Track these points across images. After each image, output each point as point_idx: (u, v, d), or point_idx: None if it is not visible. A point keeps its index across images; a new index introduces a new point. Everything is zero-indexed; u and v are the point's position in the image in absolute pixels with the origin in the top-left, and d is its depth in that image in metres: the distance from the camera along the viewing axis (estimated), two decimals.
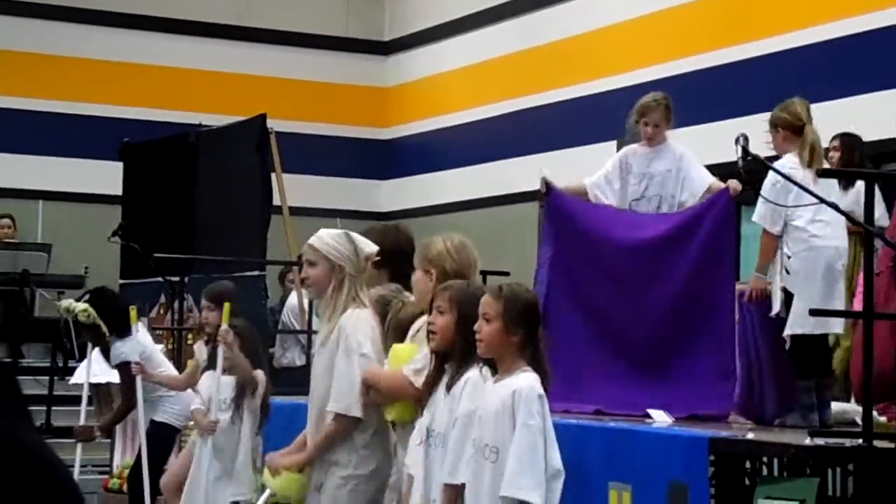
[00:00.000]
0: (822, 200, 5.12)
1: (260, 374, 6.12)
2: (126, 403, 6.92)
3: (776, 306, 5.61)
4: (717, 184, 6.22)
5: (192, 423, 6.41)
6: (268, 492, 5.14)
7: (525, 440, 3.79)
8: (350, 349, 4.57)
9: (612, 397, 5.89)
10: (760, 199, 5.60)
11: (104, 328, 6.87)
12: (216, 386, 6.10)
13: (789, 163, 5.56)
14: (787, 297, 5.56)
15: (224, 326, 5.99)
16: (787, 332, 5.46)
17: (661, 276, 6.04)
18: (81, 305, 6.85)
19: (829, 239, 5.41)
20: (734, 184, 5.89)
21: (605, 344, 6.13)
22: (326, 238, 4.68)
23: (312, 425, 4.76)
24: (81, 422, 7.24)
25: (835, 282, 5.50)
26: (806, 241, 5.47)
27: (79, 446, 7.31)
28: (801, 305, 5.40)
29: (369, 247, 4.72)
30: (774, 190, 5.52)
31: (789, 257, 5.52)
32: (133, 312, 6.82)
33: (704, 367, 5.85)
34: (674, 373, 5.95)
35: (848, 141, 7.31)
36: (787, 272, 5.53)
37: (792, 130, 5.64)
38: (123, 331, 6.80)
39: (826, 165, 5.63)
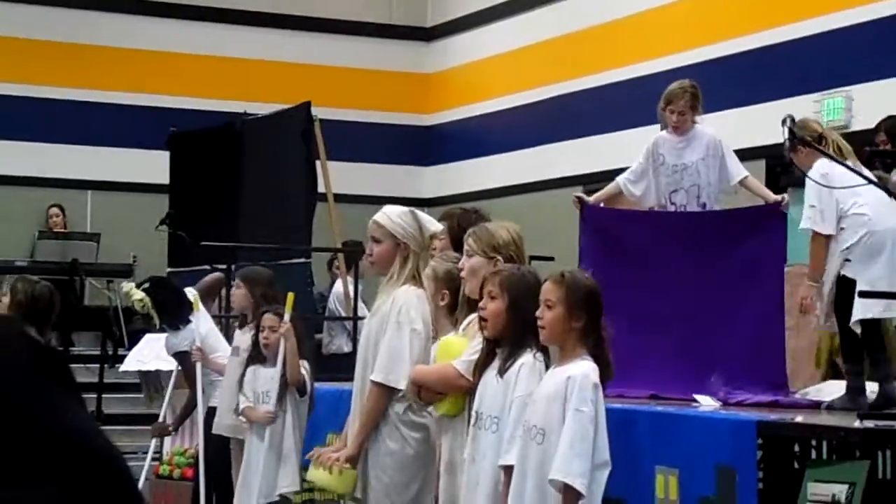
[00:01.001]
0: (870, 181, 5.07)
1: (304, 366, 6.11)
2: (192, 392, 6.97)
3: (821, 320, 5.60)
4: (752, 180, 6.19)
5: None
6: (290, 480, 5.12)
7: (576, 426, 3.79)
8: (402, 322, 4.60)
9: (663, 383, 5.88)
10: (807, 206, 5.56)
11: (156, 320, 6.91)
12: (267, 377, 6.08)
13: (822, 167, 5.55)
14: (846, 286, 5.52)
15: (286, 320, 5.96)
16: (857, 317, 5.42)
17: (704, 281, 6.00)
18: (139, 294, 6.88)
19: (886, 220, 5.37)
20: (785, 198, 5.88)
21: (647, 351, 6.05)
22: (392, 215, 4.70)
23: (357, 393, 4.78)
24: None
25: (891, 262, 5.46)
26: (865, 225, 5.43)
27: (132, 434, 7.38)
28: (868, 289, 5.38)
29: (434, 225, 4.74)
30: (819, 191, 5.49)
31: (847, 248, 5.47)
32: (196, 299, 6.87)
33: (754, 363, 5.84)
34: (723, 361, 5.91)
35: (892, 126, 7.24)
36: (848, 260, 5.49)
37: (812, 145, 5.64)
38: (176, 324, 6.84)
39: (851, 153, 5.61)
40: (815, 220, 5.56)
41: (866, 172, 5.50)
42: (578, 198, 6.36)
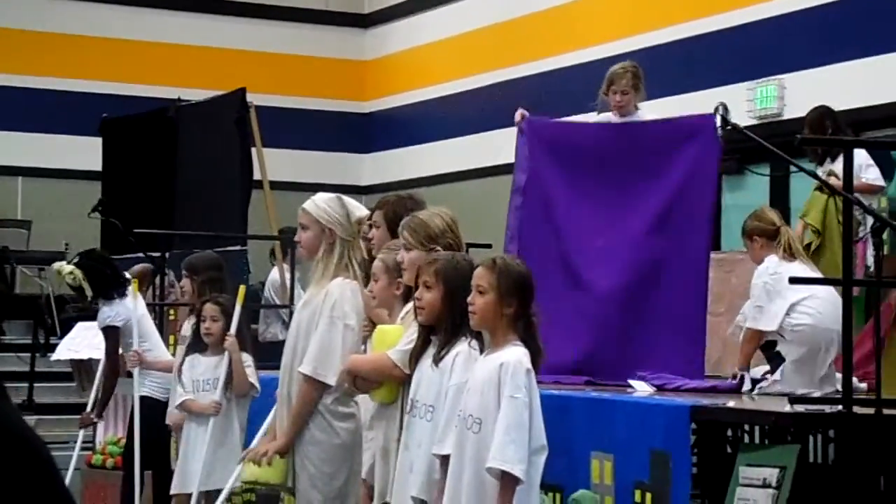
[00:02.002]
0: (818, 281, 5.16)
1: (248, 360, 6.03)
2: (106, 373, 6.86)
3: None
4: None
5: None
6: (233, 478, 5.11)
7: (511, 413, 3.80)
8: (335, 317, 4.59)
9: (584, 352, 5.91)
10: (753, 304, 5.66)
11: (89, 291, 6.82)
12: (208, 366, 6.01)
13: (772, 265, 5.65)
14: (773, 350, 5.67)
15: (232, 336, 5.90)
16: (773, 385, 5.54)
17: (638, 213, 6.04)
18: (68, 267, 6.80)
19: (832, 321, 5.42)
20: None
21: (577, 285, 6.09)
22: (319, 202, 4.72)
23: (284, 382, 4.76)
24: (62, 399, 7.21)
25: (826, 361, 5.57)
26: (813, 317, 5.53)
27: (61, 423, 7.28)
28: (792, 377, 5.54)
29: (360, 210, 4.74)
30: (766, 290, 5.58)
31: (790, 331, 5.58)
32: (135, 285, 6.79)
33: (675, 324, 5.89)
34: (642, 332, 5.96)
35: (815, 116, 7.32)
36: (783, 336, 5.59)
37: (768, 237, 5.74)
38: (110, 295, 6.75)
39: (802, 254, 5.72)
40: (760, 320, 5.66)
41: (816, 273, 5.58)
42: (523, 113, 6.40)
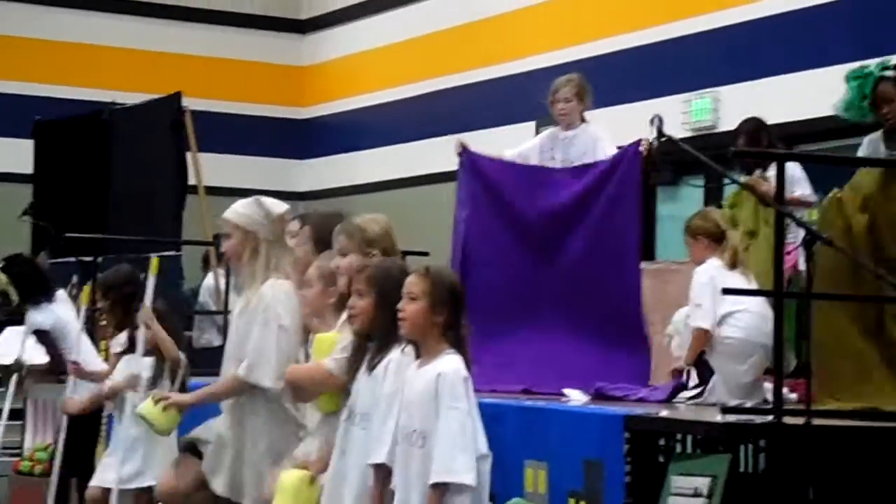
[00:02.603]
0: (752, 293, 5.20)
1: (183, 360, 6.00)
2: (51, 369, 6.80)
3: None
4: None
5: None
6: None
7: (453, 424, 3.79)
8: (269, 319, 4.62)
9: (529, 371, 5.95)
10: (695, 305, 5.70)
11: (14, 296, 6.73)
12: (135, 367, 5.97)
13: (712, 267, 5.70)
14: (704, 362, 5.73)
15: (147, 307, 5.85)
16: (707, 399, 5.60)
17: (571, 240, 6.12)
18: None
19: (762, 334, 5.48)
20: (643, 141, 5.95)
21: (521, 308, 6.17)
22: (237, 207, 4.77)
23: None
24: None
25: (756, 374, 5.64)
26: (744, 330, 5.59)
27: None
28: (722, 389, 5.59)
29: (279, 207, 4.76)
30: (707, 293, 5.64)
31: (721, 343, 5.63)
32: (86, 290, 6.72)
33: (614, 335, 5.95)
34: (585, 346, 6.02)
35: (749, 128, 7.41)
36: (714, 347, 5.65)
37: (713, 239, 5.78)
38: (37, 300, 6.67)
39: (743, 266, 5.80)
40: (698, 317, 5.70)
41: (752, 285, 5.65)
42: (461, 143, 6.45)
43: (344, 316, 4.44)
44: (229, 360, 4.80)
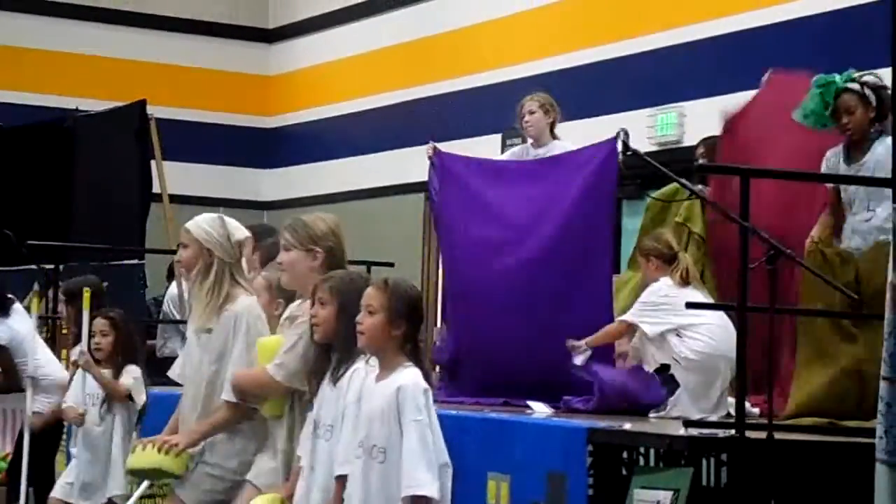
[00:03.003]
0: (705, 306, 5.25)
1: (133, 371, 5.94)
2: (7, 386, 6.74)
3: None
4: None
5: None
6: (145, 483, 5.05)
7: (416, 436, 3.79)
8: (250, 343, 4.58)
9: (505, 380, 5.98)
10: (640, 305, 5.70)
11: None
12: (83, 380, 5.93)
13: (664, 286, 5.73)
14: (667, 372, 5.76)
15: (84, 351, 5.80)
16: (671, 412, 5.62)
17: (544, 232, 6.13)
18: None
19: (725, 347, 5.49)
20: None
21: (496, 311, 6.19)
22: (200, 221, 4.73)
23: (190, 410, 4.70)
24: None
25: (721, 387, 5.65)
26: (706, 344, 5.61)
27: None
28: (687, 403, 5.62)
29: (241, 232, 4.73)
30: (655, 302, 5.67)
31: (684, 358, 5.65)
32: (35, 301, 6.66)
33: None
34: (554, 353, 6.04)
35: (713, 144, 7.45)
36: (678, 362, 5.66)
37: (664, 259, 5.82)
38: None
39: (697, 281, 5.83)
40: (640, 316, 5.70)
41: (709, 299, 5.68)
42: (434, 146, 6.51)
43: (284, 315, 4.47)
44: (194, 378, 4.69)
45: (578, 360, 5.72)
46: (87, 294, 5.89)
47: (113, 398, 5.84)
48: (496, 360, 6.11)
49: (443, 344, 6.55)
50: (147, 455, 4.65)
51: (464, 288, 6.31)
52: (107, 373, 5.90)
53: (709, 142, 7.37)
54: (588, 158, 6.07)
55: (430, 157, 6.49)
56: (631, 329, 5.81)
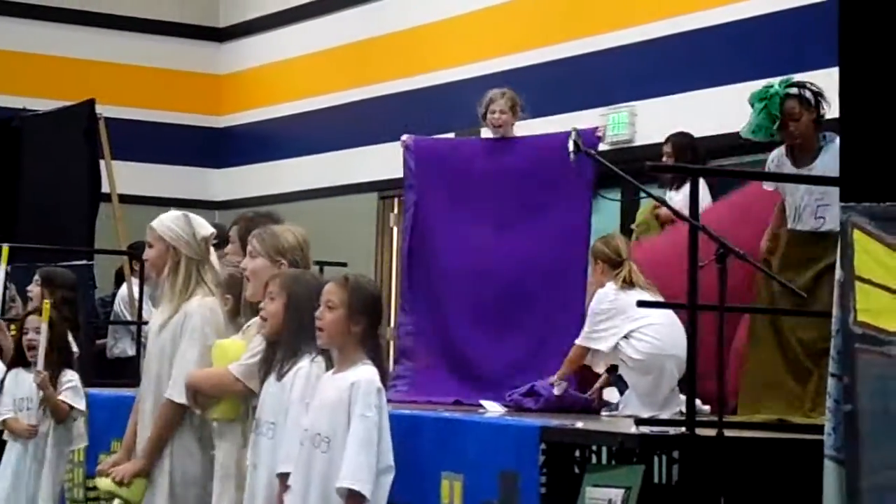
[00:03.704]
0: (655, 304, 5.33)
1: (70, 378, 5.81)
2: None
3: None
4: None
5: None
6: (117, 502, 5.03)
7: (362, 432, 3.79)
8: (195, 339, 4.56)
9: (465, 376, 6.00)
10: (589, 321, 5.77)
11: None
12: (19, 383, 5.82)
13: (610, 291, 5.79)
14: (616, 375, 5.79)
15: (42, 373, 5.69)
16: (622, 411, 5.66)
17: (519, 218, 6.20)
18: None
19: (671, 346, 5.54)
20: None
21: (468, 299, 6.23)
22: (165, 220, 4.71)
23: (146, 409, 4.68)
24: None
25: (669, 385, 5.70)
26: (652, 345, 5.64)
27: None
28: (636, 402, 5.68)
29: (206, 229, 4.72)
30: (600, 320, 5.72)
31: (631, 358, 5.68)
32: None
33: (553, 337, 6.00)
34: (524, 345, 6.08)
35: (678, 141, 7.49)
36: (625, 363, 5.70)
37: (610, 264, 5.88)
38: None
39: (642, 283, 5.87)
40: (593, 339, 5.77)
41: (656, 297, 5.73)
42: (407, 136, 6.59)
43: (250, 321, 4.44)
44: (149, 376, 4.71)
45: (556, 390, 5.77)
46: (46, 306, 5.79)
47: (53, 415, 5.72)
48: (458, 355, 6.13)
49: (403, 329, 6.50)
50: (106, 484, 4.70)
51: (433, 276, 6.27)
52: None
53: (675, 139, 7.42)
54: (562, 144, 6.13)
55: (403, 143, 6.48)
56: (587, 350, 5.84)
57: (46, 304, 5.82)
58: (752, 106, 5.59)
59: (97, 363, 9.04)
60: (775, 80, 5.64)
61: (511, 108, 6.50)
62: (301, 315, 3.98)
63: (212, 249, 4.76)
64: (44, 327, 5.73)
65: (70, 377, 5.78)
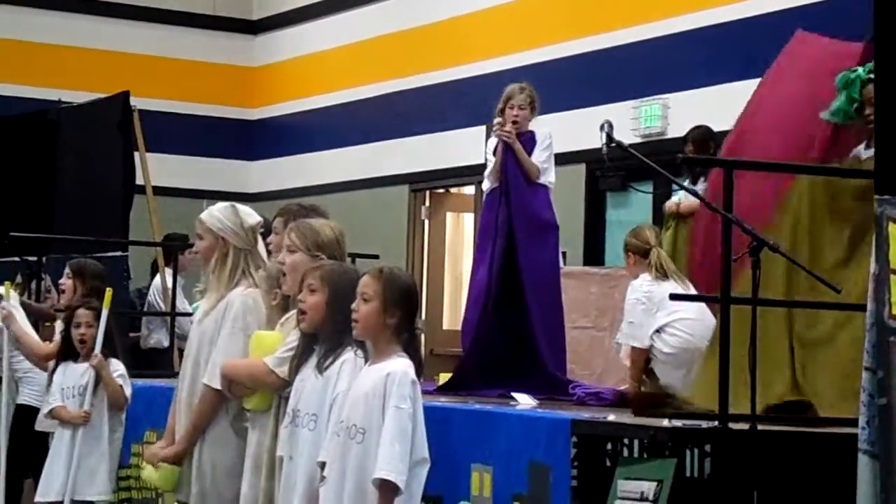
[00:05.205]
0: (687, 297, 5.26)
1: (118, 367, 5.88)
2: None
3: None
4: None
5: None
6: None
7: (396, 423, 3.79)
8: (236, 328, 4.60)
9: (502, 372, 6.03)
10: (626, 321, 5.78)
11: None
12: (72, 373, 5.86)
13: (645, 283, 5.80)
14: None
15: (99, 356, 5.75)
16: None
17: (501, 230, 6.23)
18: None
19: (701, 340, 5.54)
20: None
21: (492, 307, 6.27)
22: (213, 211, 4.77)
23: (185, 396, 4.72)
24: None
25: None
26: (683, 339, 5.63)
27: None
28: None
29: (252, 217, 4.77)
30: (638, 311, 5.69)
31: (662, 353, 5.68)
32: (6, 287, 6.61)
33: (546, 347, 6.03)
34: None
35: (697, 136, 7.47)
36: (656, 357, 5.70)
37: (640, 254, 5.90)
38: None
39: (675, 273, 5.85)
40: (631, 335, 5.80)
41: (691, 290, 5.71)
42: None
43: (287, 315, 4.44)
44: (189, 360, 4.76)
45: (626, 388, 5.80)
46: (108, 294, 5.85)
47: (110, 400, 5.78)
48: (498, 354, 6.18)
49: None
50: (146, 473, 4.78)
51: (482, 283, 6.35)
52: (84, 366, 5.82)
53: (695, 134, 7.39)
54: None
55: (504, 135, 6.34)
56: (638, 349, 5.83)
57: (109, 291, 5.89)
58: (838, 90, 5.58)
59: (131, 354, 9.11)
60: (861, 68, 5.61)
61: (530, 105, 6.48)
62: (345, 308, 3.99)
63: (259, 238, 4.81)
64: (105, 313, 5.79)
65: (116, 366, 5.84)
